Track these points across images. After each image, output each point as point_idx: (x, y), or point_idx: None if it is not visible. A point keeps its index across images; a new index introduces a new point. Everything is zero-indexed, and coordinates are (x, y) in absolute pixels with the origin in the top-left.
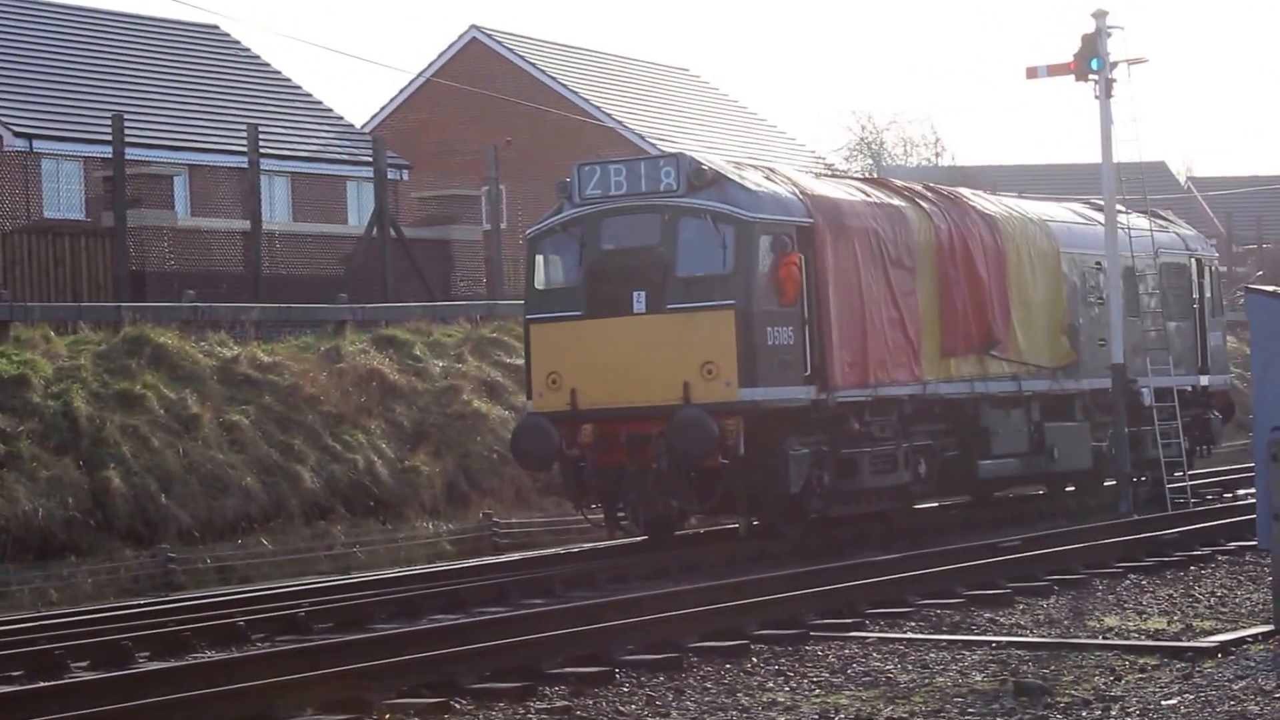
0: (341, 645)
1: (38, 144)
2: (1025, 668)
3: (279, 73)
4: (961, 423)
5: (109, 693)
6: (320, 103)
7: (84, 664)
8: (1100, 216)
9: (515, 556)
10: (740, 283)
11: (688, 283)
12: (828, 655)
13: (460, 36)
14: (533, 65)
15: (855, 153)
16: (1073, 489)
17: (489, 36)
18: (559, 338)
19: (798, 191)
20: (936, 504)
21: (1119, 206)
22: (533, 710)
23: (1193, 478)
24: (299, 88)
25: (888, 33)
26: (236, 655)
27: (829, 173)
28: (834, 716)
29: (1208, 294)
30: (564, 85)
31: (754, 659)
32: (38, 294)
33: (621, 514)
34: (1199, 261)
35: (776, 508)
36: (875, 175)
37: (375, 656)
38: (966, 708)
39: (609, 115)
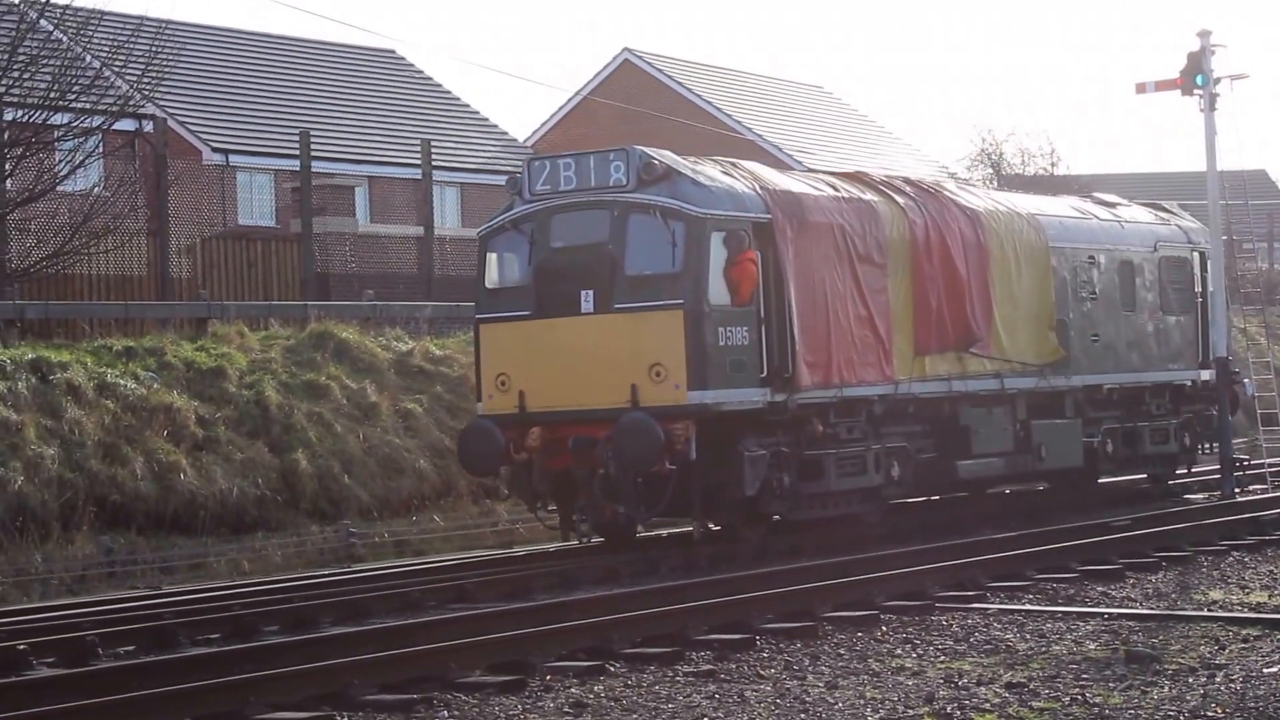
0: (506, 613)
1: (233, 158)
2: (1135, 637)
3: (449, 92)
4: (939, 423)
5: (298, 654)
6: (486, 119)
7: (274, 628)
8: (1095, 209)
9: (663, 533)
10: (690, 281)
11: (636, 281)
12: (952, 625)
13: (614, 58)
14: (680, 84)
15: (976, 163)
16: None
17: (640, 58)
18: (508, 338)
19: (757, 186)
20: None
21: (1117, 200)
22: (680, 673)
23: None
24: (467, 105)
25: (1009, 52)
26: (412, 621)
27: (953, 178)
28: (958, 681)
29: (1210, 287)
30: (708, 102)
31: (883, 628)
32: (233, 294)
33: (578, 517)
34: (1201, 255)
35: (733, 511)
36: (995, 184)
37: (537, 623)
38: (1081, 674)
39: (749, 129)
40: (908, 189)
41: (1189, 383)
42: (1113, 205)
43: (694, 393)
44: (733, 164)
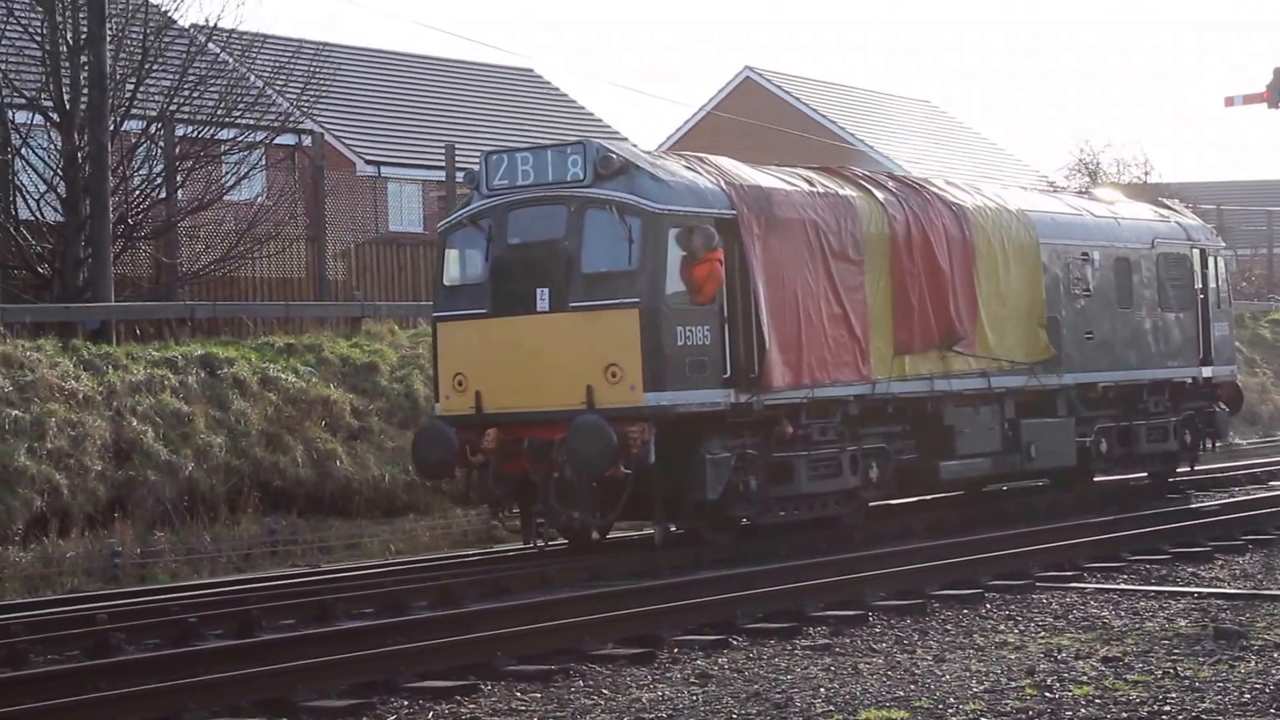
0: (637, 590)
1: (384, 170)
2: (1224, 615)
3: (583, 107)
4: (921, 422)
5: (445, 627)
6: (617, 132)
7: (423, 603)
8: (1091, 206)
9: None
10: (646, 279)
11: (592, 279)
12: (1051, 603)
13: (735, 76)
14: (796, 99)
15: (1074, 172)
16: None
17: (760, 76)
18: (464, 337)
19: (721, 181)
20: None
21: (1118, 196)
22: (799, 647)
23: None
24: (599, 120)
25: (1106, 66)
26: (549, 598)
27: (1050, 188)
28: (1057, 655)
29: (1212, 284)
30: (823, 115)
31: (987, 605)
32: (384, 294)
33: (540, 521)
34: (1202, 252)
35: (696, 514)
36: (1089, 192)
37: (665, 600)
38: (1172, 649)
39: (862, 141)
40: (890, 184)
41: (1189, 380)
42: (1111, 202)
43: (651, 394)
44: (699, 159)
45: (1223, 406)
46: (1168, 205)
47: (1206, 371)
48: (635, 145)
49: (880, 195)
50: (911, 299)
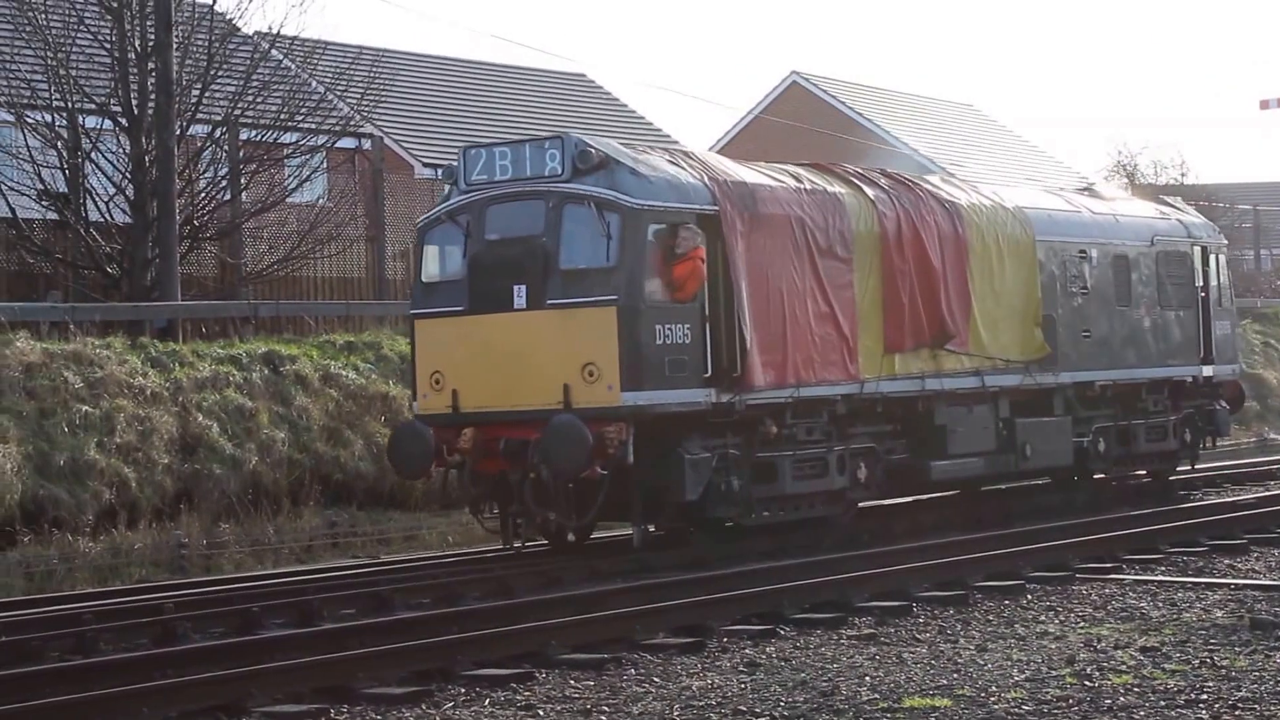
0: (686, 581)
1: (442, 172)
2: (1259, 606)
3: (634, 111)
4: (912, 422)
5: (501, 617)
6: (668, 135)
7: (478, 594)
8: (1089, 203)
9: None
10: (624, 277)
11: (570, 276)
12: (1091, 594)
13: (783, 80)
14: (842, 102)
15: (1113, 173)
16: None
17: (806, 80)
18: (442, 335)
19: (704, 177)
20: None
21: (1119, 194)
22: (844, 636)
23: None
24: (651, 123)
25: (1146, 69)
26: (601, 589)
27: (1090, 187)
28: (1096, 645)
29: (1214, 282)
30: (868, 119)
31: (1028, 596)
32: None
33: (519, 521)
34: (1204, 249)
35: (676, 515)
36: (1129, 192)
37: (714, 591)
38: (1209, 639)
39: (905, 144)
40: (881, 181)
41: (1189, 378)
42: (1110, 199)
43: (628, 394)
44: (685, 153)
45: (1224, 405)
46: (1169, 202)
47: (1207, 370)
48: (679, 141)
49: (870, 192)
50: (902, 297)
